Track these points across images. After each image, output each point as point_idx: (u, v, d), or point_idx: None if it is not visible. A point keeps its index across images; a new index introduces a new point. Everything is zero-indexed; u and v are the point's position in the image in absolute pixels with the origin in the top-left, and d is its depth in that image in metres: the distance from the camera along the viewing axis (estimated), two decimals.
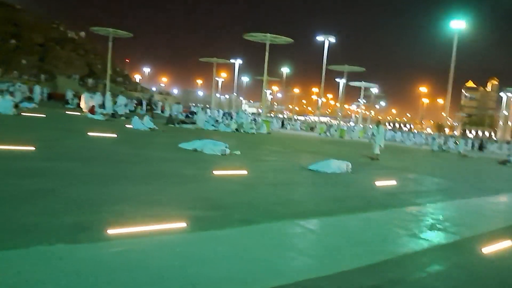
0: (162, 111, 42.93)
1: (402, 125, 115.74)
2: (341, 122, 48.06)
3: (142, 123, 18.05)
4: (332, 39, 42.34)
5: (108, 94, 26.40)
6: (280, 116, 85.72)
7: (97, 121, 19.54)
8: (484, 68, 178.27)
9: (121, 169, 7.77)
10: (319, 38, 44.14)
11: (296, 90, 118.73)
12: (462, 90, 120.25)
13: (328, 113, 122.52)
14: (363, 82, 45.47)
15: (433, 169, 16.73)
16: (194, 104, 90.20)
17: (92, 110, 21.87)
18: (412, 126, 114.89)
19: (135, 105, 44.65)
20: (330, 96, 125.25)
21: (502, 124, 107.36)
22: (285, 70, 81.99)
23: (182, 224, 4.67)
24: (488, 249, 5.07)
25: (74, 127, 15.96)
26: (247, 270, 3.61)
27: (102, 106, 25.57)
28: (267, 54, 29.72)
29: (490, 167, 20.99)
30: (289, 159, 13.57)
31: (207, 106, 68.44)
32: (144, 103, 33.37)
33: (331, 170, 10.84)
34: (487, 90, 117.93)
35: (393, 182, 10.33)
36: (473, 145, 42.15)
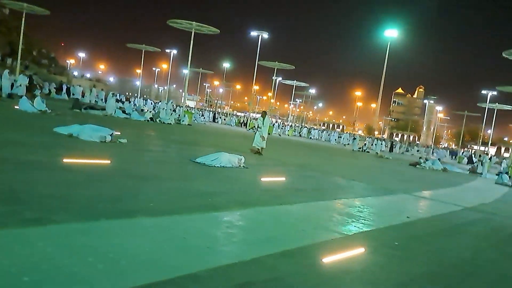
0: (83, 97, 40.44)
1: (335, 126, 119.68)
2: (272, 120, 48.05)
3: (31, 105, 15.98)
4: (266, 35, 41.90)
5: (5, 72, 23.43)
6: (218, 110, 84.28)
7: None
8: (414, 76, 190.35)
9: None
10: (253, 33, 43.59)
11: (238, 86, 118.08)
12: (392, 96, 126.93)
13: (270, 110, 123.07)
14: (295, 81, 45.62)
15: (339, 168, 16.57)
16: (129, 94, 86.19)
17: None
18: (344, 127, 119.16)
19: (54, 88, 41.97)
20: (270, 94, 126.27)
21: (425, 129, 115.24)
22: (224, 64, 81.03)
23: None
24: (329, 259, 4.36)
25: None
26: None
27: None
28: (191, 42, 28.33)
29: (399, 168, 21.50)
30: (182, 151, 12.44)
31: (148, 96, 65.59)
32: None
33: (220, 164, 9.95)
34: (414, 97, 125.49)
35: (282, 179, 9.68)
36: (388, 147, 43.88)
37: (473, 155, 45.30)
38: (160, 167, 8.78)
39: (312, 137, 47.81)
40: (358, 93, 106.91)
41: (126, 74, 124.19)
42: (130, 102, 42.29)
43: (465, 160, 41.51)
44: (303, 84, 49.54)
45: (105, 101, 38.28)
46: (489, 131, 55.36)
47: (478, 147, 58.84)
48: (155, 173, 7.92)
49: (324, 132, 51.97)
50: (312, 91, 78.46)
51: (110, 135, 11.03)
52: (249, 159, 11.88)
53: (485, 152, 46.94)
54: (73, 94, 43.31)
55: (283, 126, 49.79)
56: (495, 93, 45.39)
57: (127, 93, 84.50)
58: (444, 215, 8.57)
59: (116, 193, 5.75)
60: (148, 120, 23.38)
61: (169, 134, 17.81)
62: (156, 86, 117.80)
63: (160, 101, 56.94)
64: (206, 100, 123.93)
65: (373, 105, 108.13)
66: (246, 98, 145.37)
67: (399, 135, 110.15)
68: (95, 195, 5.43)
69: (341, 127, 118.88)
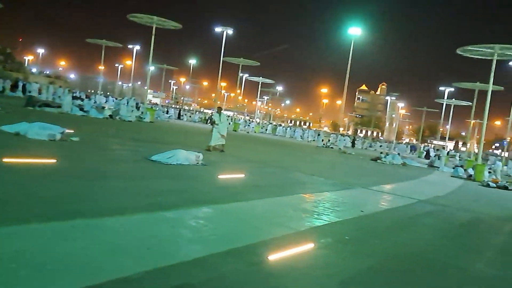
0: (40, 94, 38.77)
1: (302, 123, 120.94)
2: (240, 116, 48.01)
3: None
4: (230, 31, 41.62)
5: None
6: (185, 107, 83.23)
7: None
8: (377, 74, 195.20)
9: None
10: (218, 29, 43.18)
11: (205, 83, 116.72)
12: (356, 93, 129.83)
13: (238, 107, 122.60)
14: (261, 78, 45.63)
15: (301, 163, 16.63)
16: (92, 91, 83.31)
17: None
18: (311, 124, 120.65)
19: (10, 85, 40.32)
20: (239, 91, 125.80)
21: (388, 125, 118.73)
22: (190, 60, 79.86)
23: None
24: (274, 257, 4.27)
25: None
26: None
27: None
28: (153, 38, 27.62)
29: (360, 163, 21.89)
30: (138, 149, 11.98)
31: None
32: None
33: (177, 161, 9.70)
34: (377, 93, 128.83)
35: (241, 176, 9.56)
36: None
37: (430, 150, 46.95)
38: (112, 166, 8.43)
39: (278, 134, 48.06)
40: (324, 90, 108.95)
41: (88, 71, 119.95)
42: (90, 99, 40.86)
43: (424, 154, 42.99)
44: (268, 80, 49.67)
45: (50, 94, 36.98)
46: (447, 126, 57.57)
47: (437, 141, 61.09)
48: (105, 172, 7.58)
49: (289, 128, 52.34)
50: (279, 88, 79.06)
51: (61, 133, 10.52)
52: (209, 156, 11.72)
53: (443, 147, 48.85)
54: (29, 92, 41.39)
55: (249, 123, 49.73)
56: (452, 89, 47.23)
57: (89, 90, 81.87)
58: (398, 208, 8.72)
59: (57, 194, 5.42)
60: (107, 118, 22.62)
61: (128, 132, 17.29)
62: (120, 83, 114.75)
63: (123, 98, 55.46)
64: (172, 97, 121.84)
65: (339, 102, 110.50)
66: (213, 95, 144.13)
67: (363, 131, 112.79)
68: (33, 197, 5.09)
69: (307, 124, 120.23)
